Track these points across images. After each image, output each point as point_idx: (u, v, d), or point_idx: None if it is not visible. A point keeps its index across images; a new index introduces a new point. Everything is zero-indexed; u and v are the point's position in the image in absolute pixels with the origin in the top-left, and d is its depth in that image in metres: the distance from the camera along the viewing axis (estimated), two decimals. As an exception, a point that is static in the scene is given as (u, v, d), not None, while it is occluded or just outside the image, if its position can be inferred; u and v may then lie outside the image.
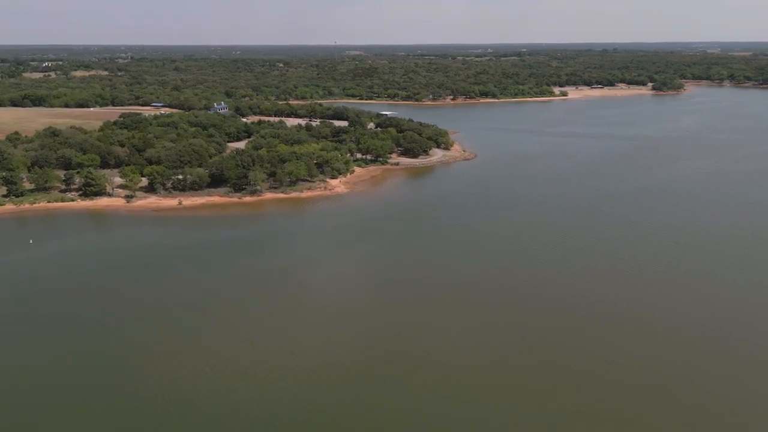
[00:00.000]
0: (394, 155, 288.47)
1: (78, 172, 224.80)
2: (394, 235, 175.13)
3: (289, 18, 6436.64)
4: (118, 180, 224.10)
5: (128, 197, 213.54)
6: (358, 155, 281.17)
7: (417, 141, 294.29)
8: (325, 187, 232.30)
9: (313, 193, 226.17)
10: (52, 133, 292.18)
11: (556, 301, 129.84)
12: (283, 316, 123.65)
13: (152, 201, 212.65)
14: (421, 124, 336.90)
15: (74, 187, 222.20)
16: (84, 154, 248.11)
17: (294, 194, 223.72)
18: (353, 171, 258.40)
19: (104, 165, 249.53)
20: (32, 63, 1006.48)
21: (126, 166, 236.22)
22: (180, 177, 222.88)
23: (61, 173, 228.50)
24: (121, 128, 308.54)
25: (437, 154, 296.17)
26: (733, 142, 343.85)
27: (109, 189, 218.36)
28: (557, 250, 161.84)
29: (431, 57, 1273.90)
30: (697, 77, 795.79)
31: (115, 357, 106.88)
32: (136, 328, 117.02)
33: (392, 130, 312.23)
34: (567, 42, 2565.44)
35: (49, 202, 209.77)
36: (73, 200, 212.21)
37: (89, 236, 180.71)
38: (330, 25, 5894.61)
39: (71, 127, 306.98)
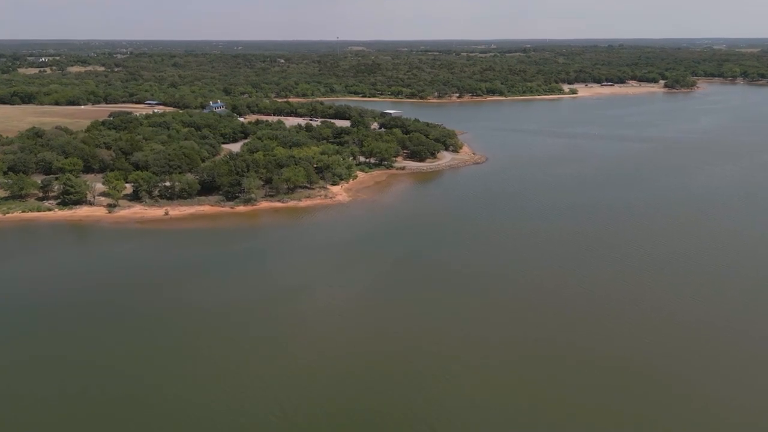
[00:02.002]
0: (399, 158, 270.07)
1: (57, 179, 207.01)
2: (402, 255, 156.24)
3: (292, 13, 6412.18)
4: (100, 187, 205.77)
5: (110, 206, 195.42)
6: (361, 158, 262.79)
7: (424, 143, 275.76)
8: (326, 195, 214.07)
9: (312, 201, 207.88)
10: (36, 133, 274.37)
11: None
12: (267, 358, 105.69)
13: (136, 211, 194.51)
14: (427, 124, 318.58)
15: (53, 194, 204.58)
16: (66, 157, 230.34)
17: (292, 203, 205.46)
18: (356, 176, 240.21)
19: (88, 169, 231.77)
20: (29, 58, 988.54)
21: (110, 171, 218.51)
22: (167, 184, 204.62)
23: (41, 179, 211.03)
24: (109, 129, 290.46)
25: (446, 158, 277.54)
26: (758, 144, 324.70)
27: (90, 197, 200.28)
28: (593, 268, 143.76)
29: (435, 53, 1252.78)
30: (708, 74, 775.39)
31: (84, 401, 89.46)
32: (105, 362, 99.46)
33: (398, 132, 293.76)
34: (570, 38, 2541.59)
35: (23, 211, 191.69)
36: (50, 209, 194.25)
37: (61, 253, 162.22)
38: (332, 20, 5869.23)
39: (56, 128, 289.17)
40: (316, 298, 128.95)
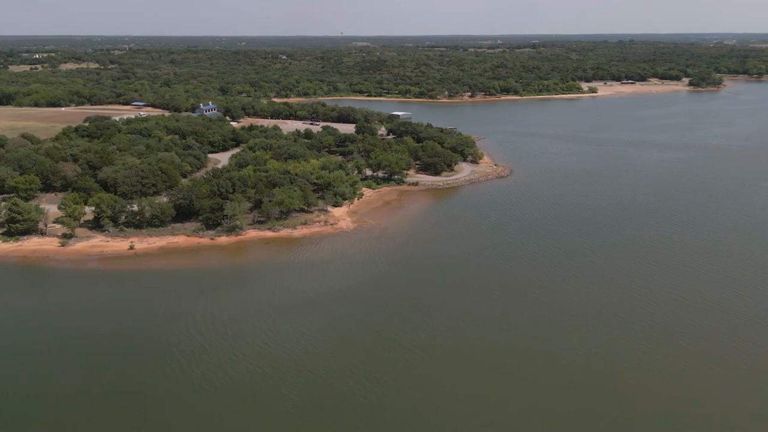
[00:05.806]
0: (411, 171, 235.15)
1: (5, 201, 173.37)
2: (417, 317, 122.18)
3: (296, 8, 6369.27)
4: (57, 212, 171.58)
5: (65, 237, 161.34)
6: (368, 172, 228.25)
7: (440, 154, 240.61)
8: (326, 220, 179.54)
9: (309, 229, 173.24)
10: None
11: None
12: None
13: (95, 243, 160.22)
14: (442, 130, 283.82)
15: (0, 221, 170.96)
16: (22, 174, 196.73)
17: (285, 232, 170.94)
18: (361, 194, 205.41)
19: (48, 188, 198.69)
20: (24, 54, 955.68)
21: (72, 191, 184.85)
22: (135, 209, 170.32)
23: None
24: (82, 136, 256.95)
25: (464, 170, 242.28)
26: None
27: (41, 225, 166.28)
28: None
29: (442, 48, 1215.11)
30: (732, 71, 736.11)
31: None
32: None
33: (409, 140, 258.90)
34: (578, 33, 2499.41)
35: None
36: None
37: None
38: (336, 15, 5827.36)
39: (22, 135, 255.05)
40: (298, 389, 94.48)
